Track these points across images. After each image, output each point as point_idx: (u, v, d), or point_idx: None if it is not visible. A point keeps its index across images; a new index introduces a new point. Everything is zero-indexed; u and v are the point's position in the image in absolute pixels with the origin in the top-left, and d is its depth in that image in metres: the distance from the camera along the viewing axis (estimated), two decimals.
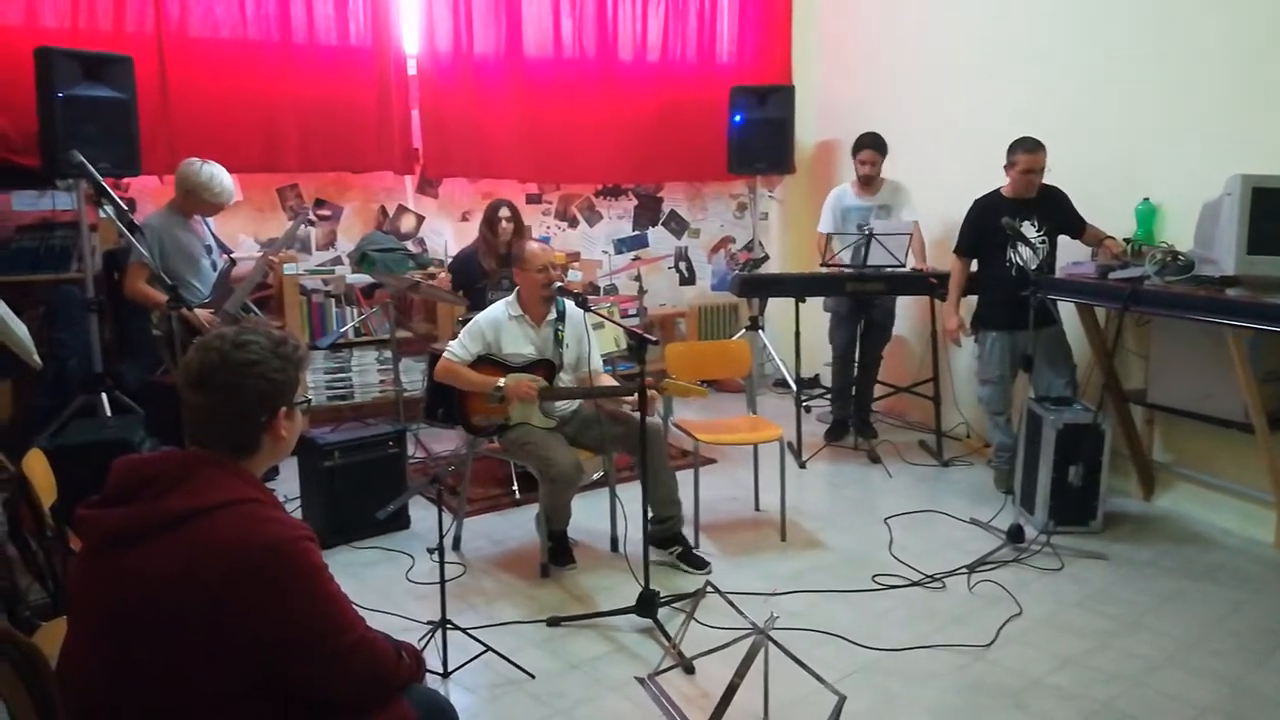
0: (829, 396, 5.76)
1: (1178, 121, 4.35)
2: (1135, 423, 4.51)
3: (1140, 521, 4.30)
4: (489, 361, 3.74)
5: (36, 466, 2.74)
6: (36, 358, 3.72)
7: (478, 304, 4.73)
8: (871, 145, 5.24)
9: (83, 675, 1.57)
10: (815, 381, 6.11)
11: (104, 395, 4.39)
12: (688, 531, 3.92)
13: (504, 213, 5.02)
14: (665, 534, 3.78)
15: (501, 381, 3.65)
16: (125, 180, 4.91)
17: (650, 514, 3.55)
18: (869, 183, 5.32)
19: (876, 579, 3.67)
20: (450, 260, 5.38)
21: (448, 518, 3.85)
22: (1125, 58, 4.57)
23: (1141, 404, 4.40)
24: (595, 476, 4.30)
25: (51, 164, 4.19)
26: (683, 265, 7.03)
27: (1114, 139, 4.59)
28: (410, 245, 5.84)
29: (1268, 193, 3.54)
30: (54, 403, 4.48)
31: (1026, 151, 4.34)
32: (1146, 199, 4.40)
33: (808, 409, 5.66)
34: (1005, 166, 4.45)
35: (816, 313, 5.61)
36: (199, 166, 4.22)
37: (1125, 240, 4.37)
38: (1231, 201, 3.58)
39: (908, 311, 5.68)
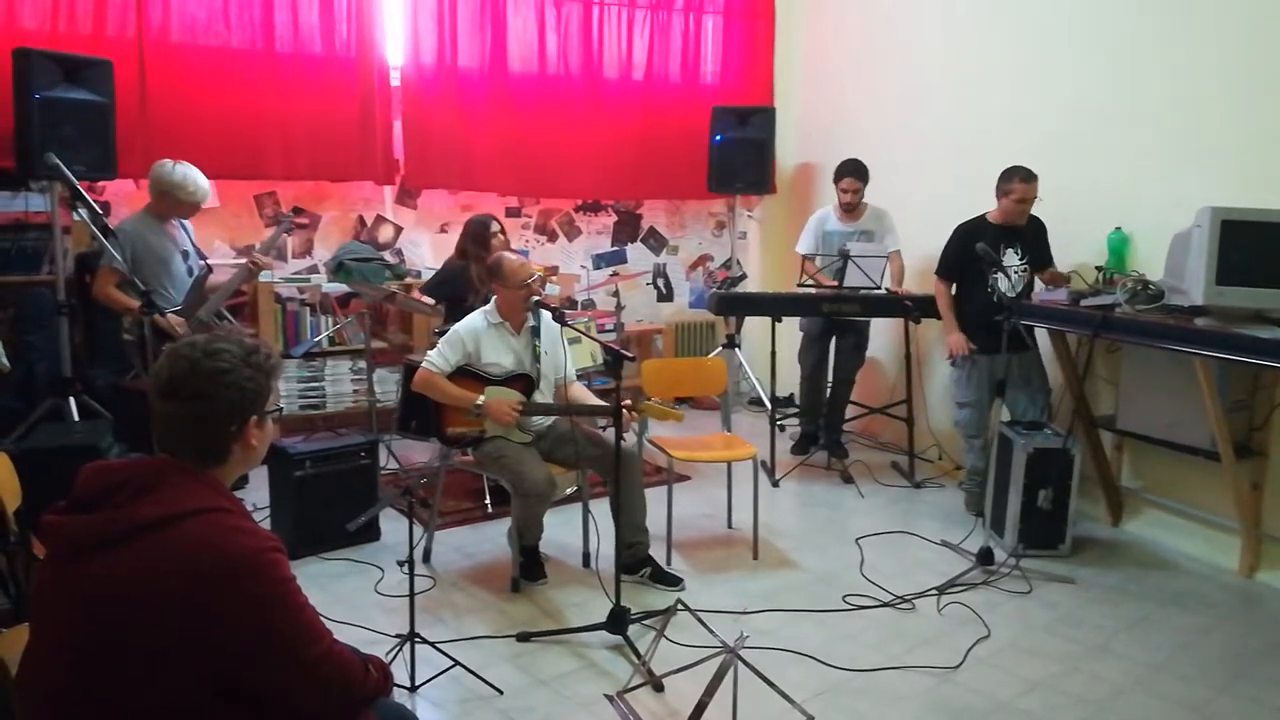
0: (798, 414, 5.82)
1: (1151, 153, 4.42)
2: (1104, 448, 4.56)
3: (1108, 546, 4.34)
4: (467, 374, 3.73)
5: (1, 470, 2.70)
6: (5, 360, 3.68)
7: (457, 317, 4.67)
8: (853, 173, 5.28)
9: (44, 684, 1.55)
10: (790, 401, 6.15)
11: (72, 399, 4.33)
12: (660, 548, 3.92)
13: (496, 227, 4.87)
14: (632, 559, 3.76)
15: (481, 399, 3.63)
16: (101, 184, 4.87)
17: (618, 539, 3.55)
18: (851, 209, 5.36)
19: (847, 599, 3.68)
20: (434, 274, 5.28)
21: (418, 530, 3.83)
22: (1100, 89, 4.64)
23: (1111, 430, 4.45)
24: (568, 491, 4.29)
25: (27, 165, 4.16)
26: (660, 282, 7.05)
27: (1088, 169, 4.66)
28: (388, 255, 5.82)
29: (1237, 225, 3.59)
30: (21, 406, 4.42)
31: (1023, 181, 4.37)
32: (1119, 228, 4.46)
33: (782, 428, 5.68)
34: (998, 193, 4.46)
35: (793, 332, 5.64)
36: (171, 167, 4.19)
37: (1097, 268, 4.43)
38: (1201, 233, 3.63)
39: (882, 332, 5.72)
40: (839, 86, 6.37)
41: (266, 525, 3.78)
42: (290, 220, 4.82)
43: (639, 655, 3.14)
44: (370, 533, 4.10)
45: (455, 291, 4.92)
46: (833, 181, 5.39)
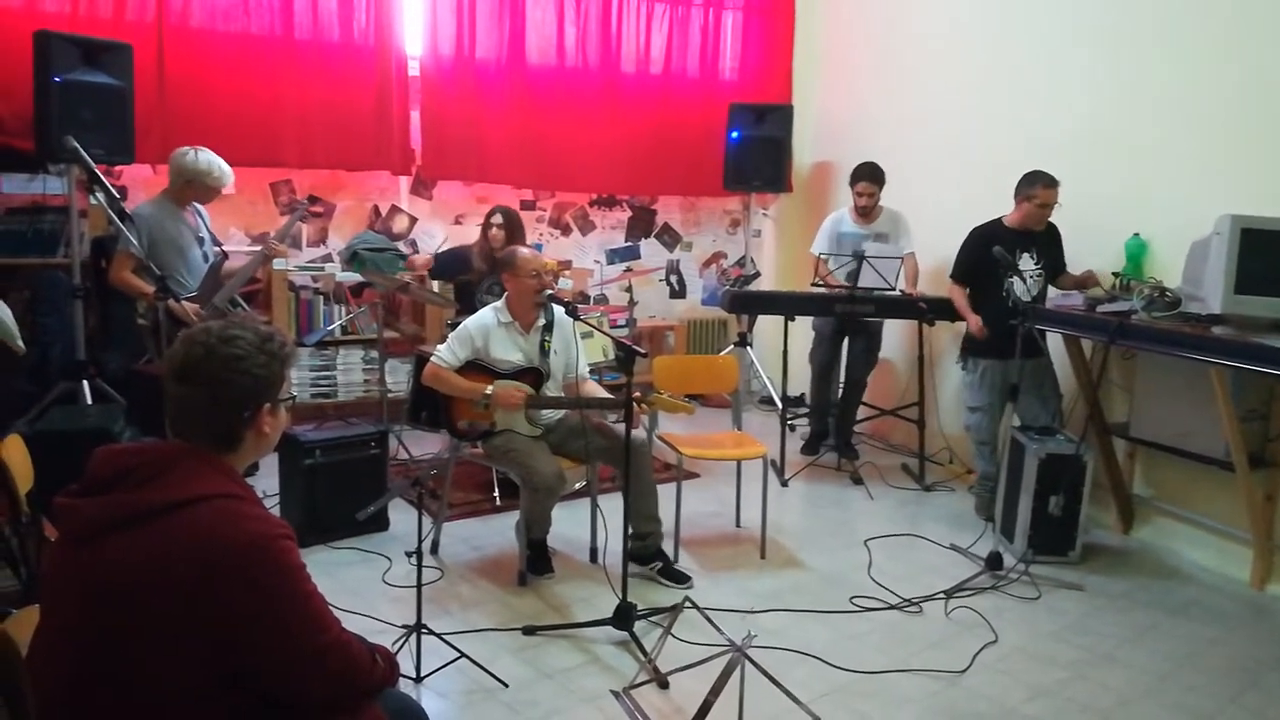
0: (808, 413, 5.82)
1: (1170, 159, 4.38)
2: (1117, 456, 4.53)
3: (1118, 554, 4.31)
4: (477, 367, 3.73)
5: (14, 452, 2.72)
6: (20, 342, 3.70)
7: (467, 305, 4.73)
8: (868, 177, 5.26)
9: (54, 665, 1.55)
10: (801, 400, 6.14)
11: (85, 383, 4.35)
12: (668, 545, 3.91)
13: (495, 219, 4.98)
14: (645, 551, 3.77)
15: (489, 389, 3.63)
16: (118, 168, 4.88)
17: (629, 530, 3.55)
18: (866, 212, 5.34)
19: (854, 601, 3.67)
20: (439, 253, 5.41)
21: (427, 521, 3.82)
22: (1119, 93, 4.61)
23: (1124, 437, 4.42)
24: (577, 486, 4.29)
25: (45, 148, 4.17)
26: (674, 278, 7.04)
27: (1107, 174, 4.63)
28: (402, 246, 5.83)
29: (1256, 233, 3.57)
30: (35, 388, 4.44)
31: (1046, 187, 4.35)
32: (1137, 234, 4.43)
33: (792, 427, 5.67)
34: (1019, 198, 4.44)
35: (805, 331, 5.64)
36: (194, 155, 4.20)
37: (1114, 274, 4.40)
38: (1220, 241, 3.61)
39: (896, 334, 5.70)
40: (857, 86, 6.35)
41: (276, 513, 3.79)
42: (305, 208, 4.84)
43: (645, 652, 3.13)
44: (379, 523, 4.11)
45: (447, 270, 5.17)
46: (849, 184, 5.37)
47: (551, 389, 3.82)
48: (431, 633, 3.06)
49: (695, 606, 3.44)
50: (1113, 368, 4.49)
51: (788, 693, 2.66)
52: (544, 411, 3.80)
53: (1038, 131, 4.96)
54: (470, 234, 5.76)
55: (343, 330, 5.62)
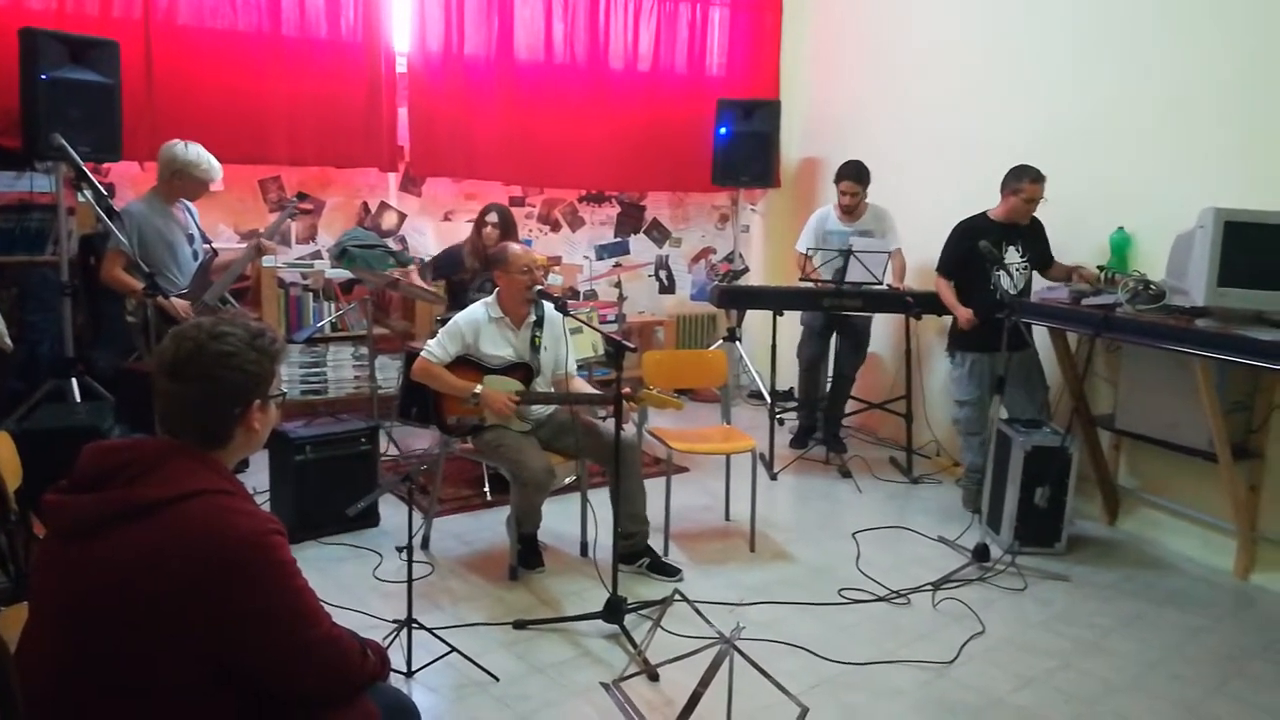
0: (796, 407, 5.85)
1: (1155, 152, 4.42)
2: (1102, 447, 4.57)
3: (1104, 545, 4.35)
4: (467, 362, 3.74)
5: (3, 450, 2.72)
6: (8, 340, 3.69)
7: (458, 302, 4.74)
8: (852, 176, 5.27)
9: (44, 663, 1.56)
10: (790, 394, 6.17)
11: (74, 380, 4.34)
12: (658, 539, 3.93)
13: (490, 218, 5.03)
14: (630, 549, 3.77)
15: (478, 388, 3.64)
16: (105, 165, 4.86)
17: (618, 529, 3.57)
18: (851, 210, 5.36)
19: (843, 593, 3.70)
20: (436, 254, 5.45)
21: (418, 517, 3.84)
22: (1105, 88, 4.64)
23: (1109, 429, 4.46)
24: (567, 481, 4.31)
25: (32, 146, 4.15)
26: (663, 274, 7.05)
27: (1091, 168, 4.66)
28: (391, 242, 5.83)
29: (1239, 226, 3.60)
30: (23, 386, 4.44)
31: (1033, 181, 4.37)
32: (1121, 228, 4.46)
33: (781, 421, 5.68)
34: (1006, 191, 4.46)
35: (793, 326, 5.65)
36: (183, 147, 4.20)
37: (1099, 268, 4.43)
38: (1204, 234, 3.63)
39: (883, 328, 5.73)
40: (844, 81, 6.36)
41: (267, 509, 3.79)
42: (294, 205, 4.84)
43: (635, 644, 3.15)
44: (369, 518, 4.11)
45: (443, 268, 5.19)
46: (834, 182, 5.39)
47: (541, 385, 3.83)
48: (422, 627, 3.07)
49: (685, 599, 3.45)
50: (1098, 360, 4.52)
51: (776, 684, 2.68)
52: (534, 407, 3.81)
53: (1024, 126, 4.98)
54: (460, 230, 5.78)
55: (332, 327, 5.61)
